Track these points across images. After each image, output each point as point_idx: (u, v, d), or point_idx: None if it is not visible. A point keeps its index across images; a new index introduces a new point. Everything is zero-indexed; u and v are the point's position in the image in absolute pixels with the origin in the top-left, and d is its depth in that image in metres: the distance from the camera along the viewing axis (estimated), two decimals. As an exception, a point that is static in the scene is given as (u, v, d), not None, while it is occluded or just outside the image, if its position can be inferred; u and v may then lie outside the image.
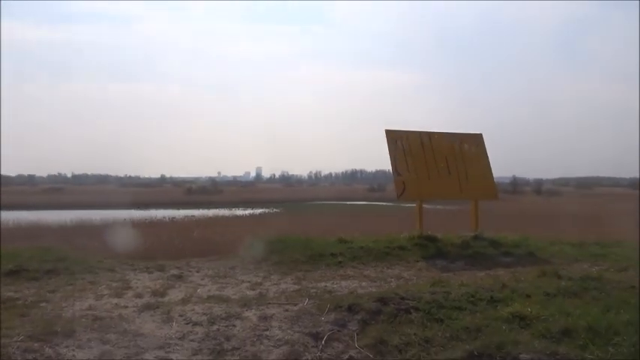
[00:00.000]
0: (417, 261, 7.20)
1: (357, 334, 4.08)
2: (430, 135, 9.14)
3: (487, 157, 9.39)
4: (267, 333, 4.07)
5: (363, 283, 5.89)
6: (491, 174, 9.43)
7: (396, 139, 8.79)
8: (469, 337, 3.91)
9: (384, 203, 40.26)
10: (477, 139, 9.48)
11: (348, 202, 50.12)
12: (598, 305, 4.51)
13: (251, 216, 31.34)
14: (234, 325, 4.21)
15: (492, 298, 4.75)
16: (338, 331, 4.13)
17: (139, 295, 5.28)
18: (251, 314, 4.48)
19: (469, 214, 9.57)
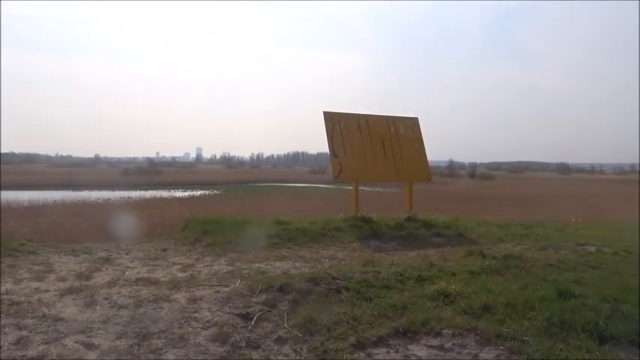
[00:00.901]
0: (352, 242, 7.32)
1: (288, 314, 4.09)
2: (367, 118, 9.25)
3: (422, 141, 9.64)
4: (196, 315, 4.01)
5: (297, 264, 5.92)
6: (426, 157, 9.71)
7: (334, 122, 8.83)
8: (396, 315, 4.01)
9: (325, 185, 40.65)
10: (412, 123, 9.70)
11: (290, 184, 50.21)
12: (517, 282, 4.75)
13: (190, 198, 30.73)
14: (161, 308, 4.11)
15: (420, 276, 4.90)
16: (268, 311, 4.13)
17: (62, 279, 5.05)
18: (180, 296, 4.39)
19: (404, 196, 9.82)
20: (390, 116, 9.56)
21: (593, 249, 6.29)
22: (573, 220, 10.48)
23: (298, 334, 3.78)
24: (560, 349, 3.52)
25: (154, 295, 4.38)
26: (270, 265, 5.84)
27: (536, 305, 4.10)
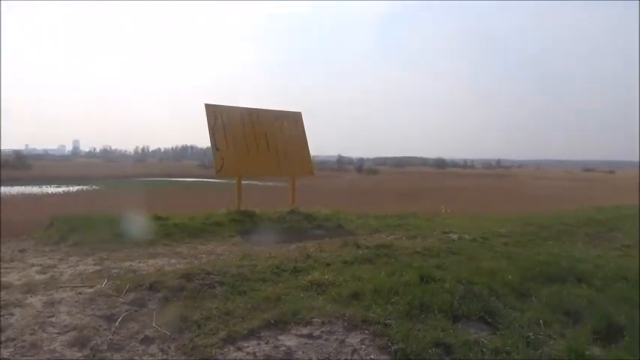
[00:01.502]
0: (232, 236, 7.25)
1: (157, 313, 3.94)
2: (251, 111, 9.19)
3: (305, 135, 9.80)
4: (53, 319, 3.71)
5: (173, 261, 5.72)
6: (308, 152, 9.89)
7: (216, 114, 8.66)
8: (269, 307, 4.04)
9: (213, 180, 39.82)
10: (296, 118, 9.82)
11: (176, 179, 48.46)
12: (386, 269, 5.03)
13: (65, 194, 28.47)
14: (11, 314, 3.74)
15: (295, 268, 4.99)
16: (135, 311, 3.94)
17: None
18: (35, 300, 4.03)
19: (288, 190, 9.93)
20: (273, 110, 9.60)
21: (455, 237, 6.85)
22: (443, 210, 11.33)
23: (167, 332, 3.66)
24: (419, 329, 3.79)
25: (3, 300, 3.98)
26: (143, 263, 5.58)
27: (400, 290, 4.36)
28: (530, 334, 4.02)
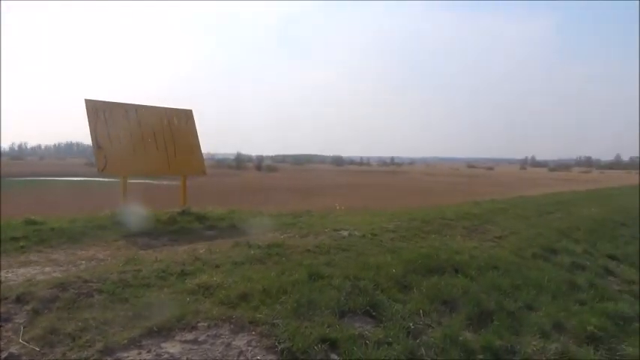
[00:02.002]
0: (117, 240, 6.84)
1: (24, 327, 3.60)
2: (137, 108, 8.75)
3: (196, 133, 9.52)
4: None
5: (47, 269, 5.27)
6: (200, 150, 9.62)
7: (97, 110, 8.13)
8: (152, 314, 3.86)
9: (100, 179, 37.45)
10: (187, 115, 9.50)
11: (58, 178, 44.87)
12: (276, 269, 5.04)
13: None
14: None
15: (183, 271, 4.82)
16: (-1, 327, 3.58)
17: None
18: None
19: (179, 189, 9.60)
20: (162, 107, 9.20)
21: (346, 233, 7.04)
22: (338, 207, 11.62)
23: (35, 347, 3.36)
24: (306, 327, 3.84)
25: None
26: (12, 272, 5.07)
27: (289, 289, 4.40)
28: (411, 324, 4.26)
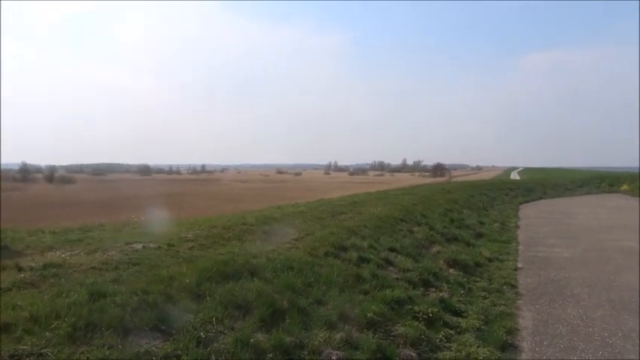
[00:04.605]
0: None
1: None
2: None
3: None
4: None
5: None
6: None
7: None
8: None
9: None
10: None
11: None
12: (51, 292, 4.50)
13: None
14: None
15: None
16: None
17: None
18: None
19: None
20: None
21: (139, 246, 6.65)
22: (135, 219, 10.94)
23: None
24: (82, 352, 3.50)
25: None
26: None
27: (64, 312, 3.96)
28: (202, 333, 4.19)
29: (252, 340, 4.28)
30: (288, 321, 4.95)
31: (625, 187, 36.17)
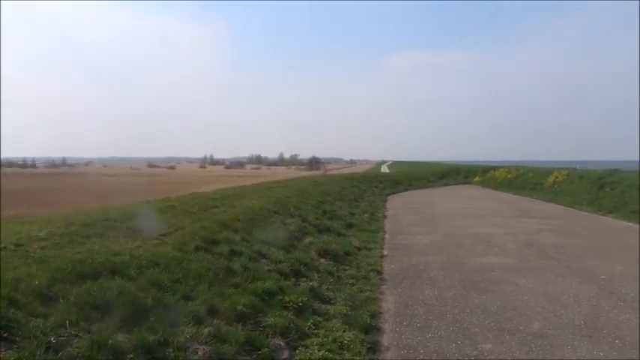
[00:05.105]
0: None
1: None
2: None
3: None
4: None
5: None
6: None
7: None
8: None
9: None
10: None
11: None
12: None
13: None
14: None
15: None
16: None
17: None
18: None
19: None
20: None
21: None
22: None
23: None
24: None
25: None
26: None
27: None
28: (52, 338, 3.85)
29: (110, 342, 4.02)
30: (152, 319, 4.75)
31: (477, 178, 40.27)
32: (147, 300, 5.08)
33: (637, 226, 15.10)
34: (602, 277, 8.54)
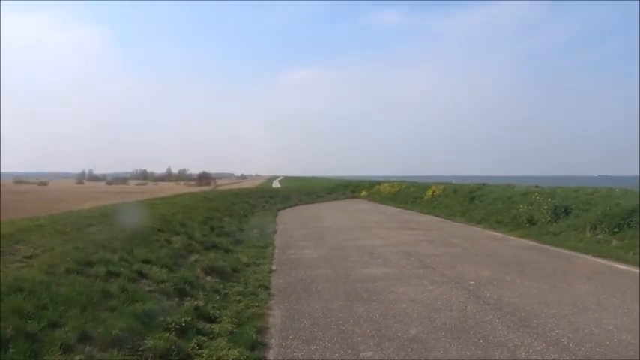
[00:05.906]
0: None
1: None
2: None
3: None
4: None
5: None
6: None
7: None
8: None
9: None
10: None
11: None
12: None
13: None
14: None
15: None
16: None
17: None
18: None
19: None
20: None
21: None
22: None
23: None
24: None
25: None
26: None
27: None
28: None
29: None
30: (12, 350, 4.29)
31: (364, 193, 42.02)
32: (6, 330, 4.58)
33: (501, 234, 16.77)
34: (471, 282, 9.29)
